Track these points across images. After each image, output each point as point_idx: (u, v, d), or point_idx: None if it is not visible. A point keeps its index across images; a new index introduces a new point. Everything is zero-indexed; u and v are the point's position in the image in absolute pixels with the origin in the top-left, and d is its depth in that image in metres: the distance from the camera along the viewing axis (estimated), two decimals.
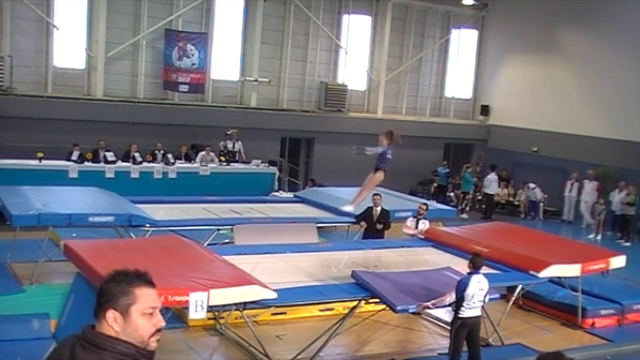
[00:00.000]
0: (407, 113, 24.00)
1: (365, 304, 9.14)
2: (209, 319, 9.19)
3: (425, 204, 12.51)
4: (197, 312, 7.13)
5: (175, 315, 9.44)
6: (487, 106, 24.81)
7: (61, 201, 11.65)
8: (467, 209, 21.35)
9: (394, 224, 12.66)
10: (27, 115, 17.14)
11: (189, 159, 18.33)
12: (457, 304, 8.24)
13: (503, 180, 22.12)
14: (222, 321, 9.49)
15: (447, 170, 22.16)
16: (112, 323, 2.48)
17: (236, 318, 9.23)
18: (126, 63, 19.29)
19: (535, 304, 11.42)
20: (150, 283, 2.59)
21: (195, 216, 12.71)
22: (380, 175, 10.41)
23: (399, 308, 8.12)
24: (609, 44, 20.66)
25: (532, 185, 21.33)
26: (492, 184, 21.15)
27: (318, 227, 12.97)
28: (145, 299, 2.52)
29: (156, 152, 17.58)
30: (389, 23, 22.77)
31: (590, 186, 20.20)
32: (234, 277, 7.76)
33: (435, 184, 22.30)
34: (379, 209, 12.38)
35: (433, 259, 10.85)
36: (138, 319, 2.49)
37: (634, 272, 13.61)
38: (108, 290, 2.52)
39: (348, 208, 11.23)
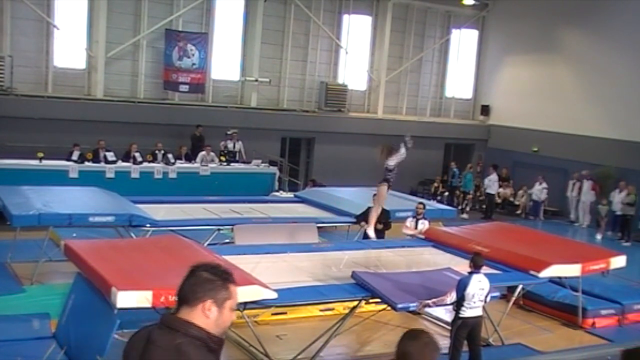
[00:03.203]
0: (407, 113, 23.99)
1: (366, 304, 9.13)
2: None
3: (422, 204, 12.51)
4: None
5: None
6: (487, 106, 24.81)
7: (61, 201, 11.65)
8: (468, 209, 21.35)
9: (394, 224, 12.65)
10: (27, 115, 17.14)
11: (189, 159, 18.33)
12: (458, 304, 8.24)
13: (503, 180, 22.11)
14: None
15: (456, 170, 22.15)
16: (207, 312, 2.72)
17: (236, 318, 9.21)
18: (126, 63, 19.29)
19: (536, 304, 11.41)
20: (235, 282, 2.90)
21: (195, 216, 12.71)
22: (384, 188, 10.48)
23: (399, 306, 8.12)
24: (609, 44, 20.67)
25: (539, 184, 21.14)
26: (493, 184, 21.15)
27: (318, 227, 12.96)
28: (236, 296, 2.85)
29: (156, 152, 17.58)
30: (389, 23, 22.77)
31: (586, 186, 20.25)
32: (234, 277, 7.75)
33: (439, 185, 22.30)
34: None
35: (433, 259, 10.85)
36: (228, 312, 2.78)
37: (634, 272, 13.64)
38: (209, 282, 2.76)
39: (370, 231, 11.30)
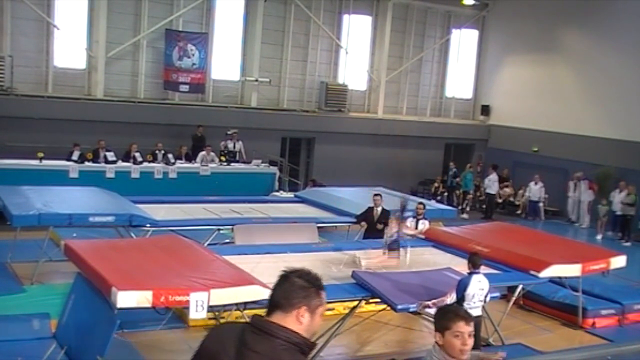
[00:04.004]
0: (407, 113, 23.99)
1: (366, 304, 9.13)
2: (210, 319, 9.15)
3: (422, 204, 12.51)
4: (197, 312, 7.13)
5: (176, 315, 9.44)
6: (487, 106, 24.81)
7: (62, 201, 11.64)
8: (468, 209, 21.34)
9: None
10: (27, 115, 17.14)
11: (189, 159, 18.33)
12: (458, 304, 8.22)
13: (504, 180, 22.11)
14: (222, 321, 9.47)
15: (455, 170, 22.16)
16: (300, 318, 2.81)
17: (237, 318, 9.19)
18: (126, 63, 19.29)
19: (536, 304, 11.41)
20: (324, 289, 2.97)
21: (195, 216, 12.71)
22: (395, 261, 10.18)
23: (399, 307, 8.12)
24: (610, 44, 20.67)
25: (535, 183, 21.17)
26: (493, 184, 21.15)
27: (318, 227, 12.94)
28: (325, 302, 2.91)
29: (156, 152, 17.59)
30: (390, 23, 22.77)
31: (584, 186, 20.29)
32: (235, 277, 7.76)
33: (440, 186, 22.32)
34: (379, 209, 12.36)
35: (433, 259, 10.85)
36: (318, 318, 2.86)
37: (634, 272, 13.64)
38: (304, 289, 2.84)
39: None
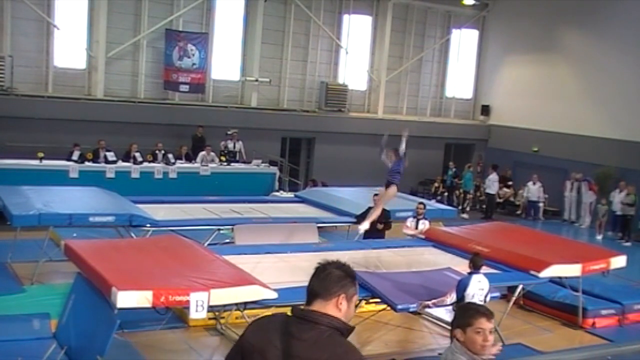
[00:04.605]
0: (407, 113, 23.99)
1: (366, 304, 9.14)
2: (210, 319, 9.18)
3: (422, 204, 12.51)
4: (197, 312, 7.13)
5: (176, 315, 9.44)
6: (487, 106, 24.81)
7: (62, 201, 11.64)
8: (468, 208, 21.35)
9: (395, 224, 12.65)
10: (27, 115, 17.14)
11: (189, 159, 18.33)
12: (458, 304, 8.23)
13: (506, 180, 22.09)
14: (222, 321, 9.48)
15: (455, 170, 22.14)
16: (339, 305, 3.01)
17: (237, 318, 9.22)
18: (127, 63, 19.29)
19: (536, 304, 11.40)
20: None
21: (195, 216, 12.71)
22: (393, 190, 10.48)
23: (399, 307, 8.12)
24: (609, 44, 20.66)
25: (533, 183, 21.18)
26: (493, 184, 21.14)
27: (318, 227, 12.95)
28: (357, 291, 3.13)
29: (157, 152, 17.58)
30: (390, 23, 22.77)
31: (584, 187, 20.30)
32: (235, 277, 7.76)
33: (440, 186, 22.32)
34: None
35: (433, 259, 10.85)
36: (353, 305, 3.08)
37: (634, 272, 13.63)
38: (342, 278, 3.05)
39: (363, 226, 11.20)
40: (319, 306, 3.01)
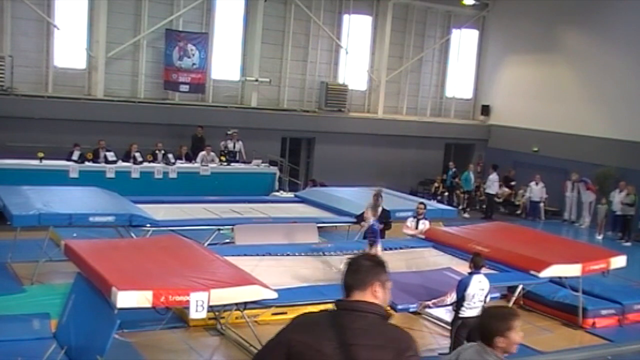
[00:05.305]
0: (407, 113, 23.99)
1: None
2: (210, 318, 9.18)
3: (423, 204, 12.50)
4: (197, 312, 7.14)
5: (176, 315, 9.44)
6: (487, 106, 24.81)
7: (62, 201, 11.65)
8: (468, 208, 21.34)
9: (395, 224, 12.64)
10: (27, 115, 17.14)
11: (189, 159, 18.33)
12: (458, 304, 8.24)
13: (509, 180, 22.07)
14: (222, 321, 9.48)
15: (454, 170, 22.14)
16: (375, 293, 3.17)
17: (237, 318, 9.22)
18: (127, 63, 19.29)
19: (536, 303, 11.40)
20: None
21: (195, 216, 12.72)
22: (379, 248, 10.21)
23: (399, 307, 8.12)
24: (610, 44, 20.66)
25: (535, 183, 21.15)
26: (493, 184, 21.14)
27: (318, 227, 12.96)
28: (389, 277, 3.27)
29: (157, 152, 17.58)
30: (390, 23, 22.77)
31: (582, 187, 20.31)
32: (235, 277, 7.77)
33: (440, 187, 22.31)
34: (379, 209, 12.36)
35: (434, 259, 10.86)
36: (388, 291, 3.23)
37: (634, 272, 13.63)
38: (373, 267, 3.21)
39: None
40: (358, 296, 3.16)
